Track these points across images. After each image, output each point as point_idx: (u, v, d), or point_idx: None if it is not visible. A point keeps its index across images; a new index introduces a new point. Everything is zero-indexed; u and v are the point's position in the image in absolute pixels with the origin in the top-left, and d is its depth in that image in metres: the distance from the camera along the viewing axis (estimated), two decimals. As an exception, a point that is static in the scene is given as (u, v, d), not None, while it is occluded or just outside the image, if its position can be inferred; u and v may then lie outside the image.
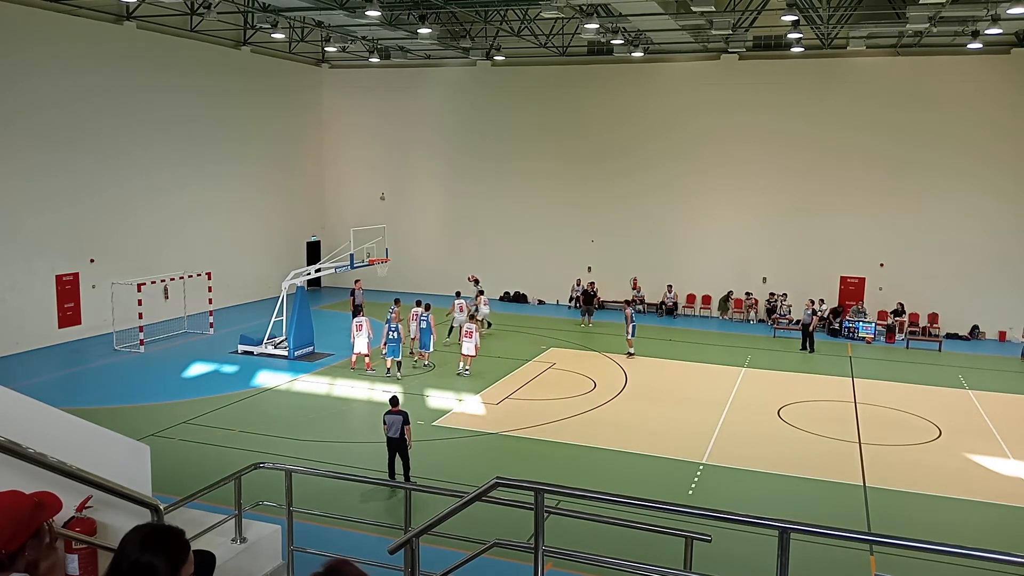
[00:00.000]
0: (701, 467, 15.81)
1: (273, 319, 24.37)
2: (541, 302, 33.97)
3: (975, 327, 29.17)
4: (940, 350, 27.18)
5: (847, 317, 29.27)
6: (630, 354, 24.79)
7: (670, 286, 31.90)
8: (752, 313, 31.53)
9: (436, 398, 20.20)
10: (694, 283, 32.40)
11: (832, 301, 30.11)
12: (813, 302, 27.82)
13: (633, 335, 24.78)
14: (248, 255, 32.13)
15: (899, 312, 29.28)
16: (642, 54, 30.11)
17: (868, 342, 28.16)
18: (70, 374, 22.27)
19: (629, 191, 32.51)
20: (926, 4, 21.60)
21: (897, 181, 29.35)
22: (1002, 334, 28.96)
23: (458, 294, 27.33)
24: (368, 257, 27.09)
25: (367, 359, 22.28)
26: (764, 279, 31.51)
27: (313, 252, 35.44)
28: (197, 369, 22.66)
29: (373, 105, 35.88)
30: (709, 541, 6.13)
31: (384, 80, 35.56)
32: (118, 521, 5.33)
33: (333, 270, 27.73)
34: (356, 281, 28.15)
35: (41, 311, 24.08)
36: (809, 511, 13.46)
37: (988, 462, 16.62)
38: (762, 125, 30.63)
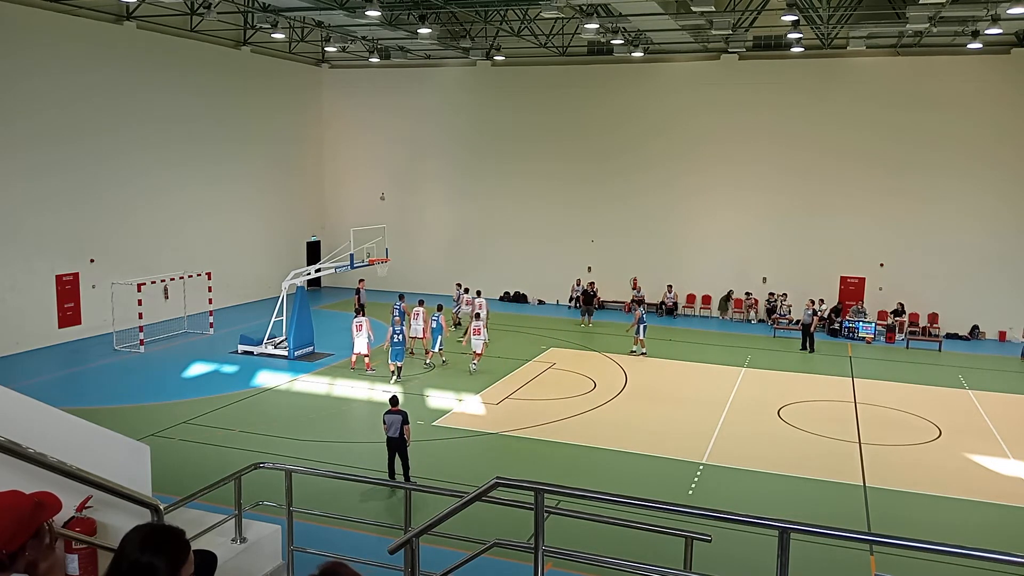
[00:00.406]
0: (701, 467, 15.81)
1: (273, 319, 24.37)
2: (541, 302, 33.97)
3: (975, 327, 29.17)
4: (940, 350, 27.18)
5: (847, 317, 29.28)
6: (633, 352, 24.82)
7: (670, 286, 31.90)
8: (752, 313, 31.53)
9: (436, 398, 20.20)
10: (694, 283, 32.40)
11: (832, 301, 30.11)
12: (813, 302, 27.83)
13: (644, 335, 24.80)
14: (248, 255, 32.14)
15: (899, 312, 29.28)
16: (642, 54, 30.11)
17: (868, 342, 28.16)
18: (70, 374, 22.27)
19: (629, 191, 32.51)
20: (926, 4, 21.60)
21: (897, 181, 29.35)
22: (1002, 334, 28.96)
23: (459, 285, 27.71)
24: (368, 257, 27.10)
25: (367, 359, 22.28)
26: (764, 279, 31.51)
27: (313, 252, 35.45)
28: (197, 369, 22.66)
29: (373, 105, 35.88)
30: (709, 541, 6.13)
31: (384, 80, 35.56)
32: (118, 521, 5.33)
33: (333, 270, 27.73)
34: (360, 280, 28.23)
35: (41, 311, 24.08)
36: (809, 511, 13.46)
37: (988, 462, 16.62)
38: (762, 125, 30.63)
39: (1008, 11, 21.29)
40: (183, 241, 28.77)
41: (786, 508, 13.69)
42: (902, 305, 29.36)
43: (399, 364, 21.44)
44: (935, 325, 29.40)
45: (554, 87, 33.05)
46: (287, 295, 24.25)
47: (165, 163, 28.09)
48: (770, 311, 30.68)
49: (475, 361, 22.67)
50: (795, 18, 23.57)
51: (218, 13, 24.62)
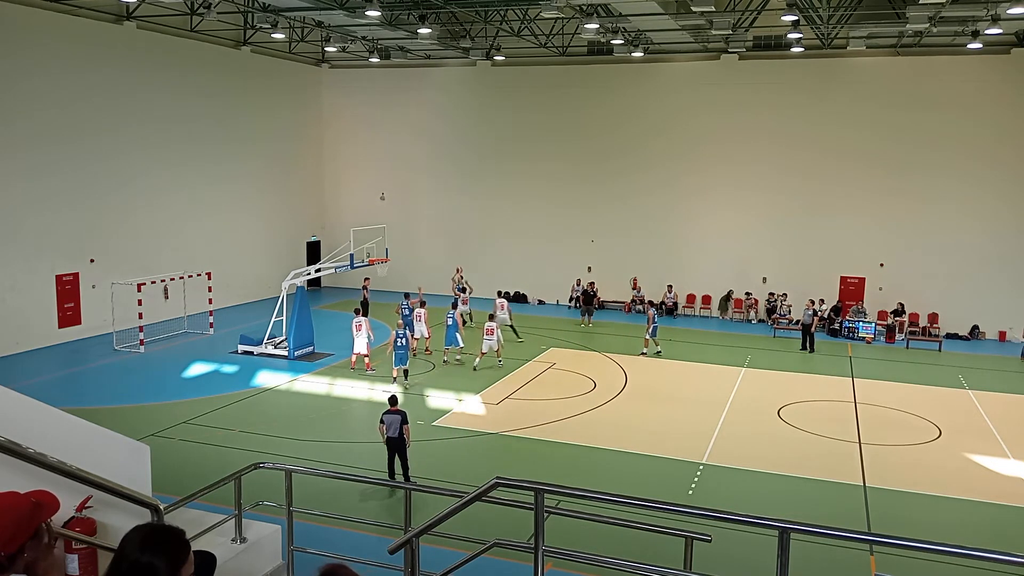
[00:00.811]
0: (701, 467, 15.80)
1: (273, 319, 24.38)
2: (541, 302, 33.97)
3: (975, 327, 29.17)
4: (940, 350, 27.18)
5: (847, 317, 29.28)
6: (643, 354, 24.82)
7: (670, 286, 31.89)
8: (752, 313, 31.53)
9: (436, 398, 20.20)
10: (694, 283, 32.40)
11: (832, 301, 30.10)
12: (813, 302, 27.83)
13: (654, 335, 24.80)
14: (248, 255, 32.14)
15: (899, 312, 29.28)
16: (642, 54, 30.11)
17: (868, 342, 28.16)
18: (70, 374, 22.27)
19: (629, 191, 32.52)
20: (926, 4, 21.59)
21: (897, 181, 29.35)
22: (1002, 334, 28.96)
23: (499, 293, 27.83)
24: (368, 257, 27.12)
25: (367, 359, 22.29)
26: (764, 279, 31.51)
27: (313, 252, 35.45)
28: (197, 369, 22.66)
29: (373, 105, 35.88)
30: (709, 541, 6.13)
31: (384, 80, 35.56)
32: (118, 521, 5.33)
33: (333, 270, 27.74)
34: (366, 279, 28.28)
35: (41, 311, 24.08)
36: (809, 511, 13.46)
37: (988, 462, 16.61)
38: (762, 125, 30.63)
39: (1008, 11, 21.28)
40: (183, 241, 28.77)
41: (786, 508, 13.68)
42: (902, 305, 29.36)
43: (404, 368, 21.06)
44: (935, 325, 29.40)
45: (554, 87, 33.06)
46: (287, 295, 24.25)
47: (165, 163, 28.09)
48: (770, 311, 30.68)
49: (478, 359, 22.92)
50: (795, 18, 23.57)
51: (218, 13, 24.61)
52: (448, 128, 35.11)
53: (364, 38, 30.90)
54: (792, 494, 14.69)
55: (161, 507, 5.50)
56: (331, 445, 16.69)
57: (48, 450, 4.78)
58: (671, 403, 20.32)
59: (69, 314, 24.91)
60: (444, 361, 23.43)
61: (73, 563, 5.25)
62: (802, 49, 28.63)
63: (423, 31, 25.54)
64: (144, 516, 5.31)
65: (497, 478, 5.52)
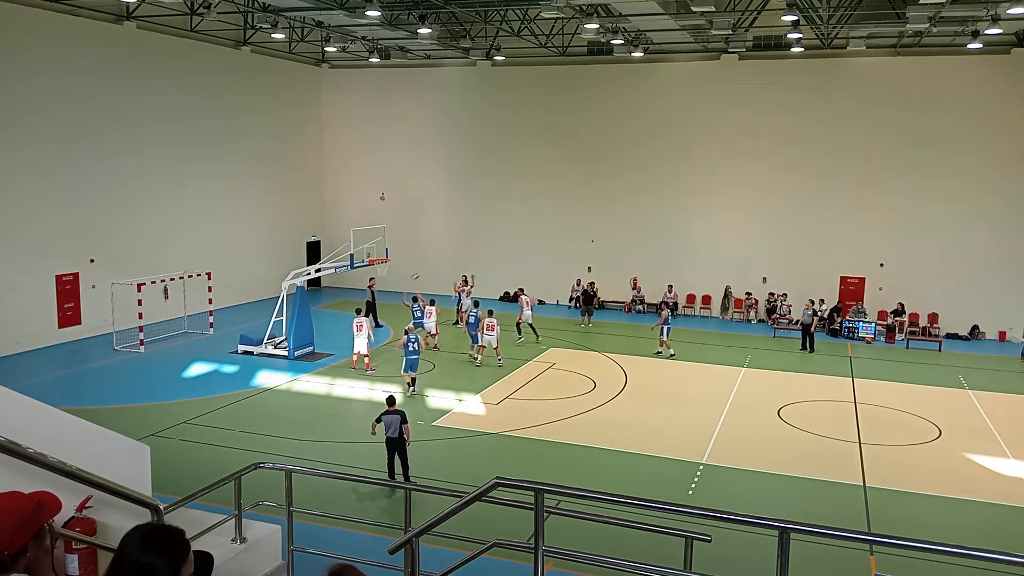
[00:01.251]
0: (701, 467, 15.81)
1: (273, 319, 24.37)
2: (541, 302, 33.95)
3: (975, 327, 29.17)
4: (940, 350, 27.18)
5: (847, 317, 29.28)
6: (659, 354, 24.82)
7: (670, 286, 31.88)
8: (752, 313, 31.53)
9: (436, 398, 20.19)
10: (694, 283, 32.39)
11: (832, 301, 30.11)
12: (813, 302, 27.83)
13: (667, 336, 24.79)
14: (248, 255, 32.14)
15: (899, 312, 29.27)
16: (642, 54, 30.10)
17: (868, 342, 28.16)
18: (70, 374, 22.27)
19: (629, 191, 32.51)
20: (926, 4, 21.60)
21: (897, 181, 29.35)
22: (1002, 334, 28.96)
23: (522, 291, 28.43)
24: (368, 257, 27.12)
25: (367, 359, 22.29)
26: (764, 279, 31.51)
27: (313, 252, 35.45)
28: (197, 369, 22.66)
29: (373, 105, 35.87)
30: (709, 541, 6.14)
31: (384, 80, 35.56)
32: (118, 521, 5.33)
33: (333, 270, 27.74)
34: (371, 279, 28.30)
35: (41, 311, 24.08)
36: (809, 511, 13.45)
37: (988, 462, 16.61)
38: (762, 125, 30.63)
39: (1008, 11, 21.28)
40: (183, 241, 28.77)
41: (786, 508, 13.68)
42: (902, 305, 29.36)
43: (413, 375, 20.37)
44: (935, 325, 29.40)
45: (554, 87, 33.06)
46: (287, 295, 24.25)
47: (165, 163, 28.09)
48: (770, 311, 30.68)
49: (479, 355, 23.23)
50: (795, 18, 23.57)
51: (218, 13, 24.62)
52: (448, 128, 35.10)
53: (364, 38, 30.90)
54: (792, 494, 14.69)
55: (161, 507, 5.50)
56: (331, 445, 16.69)
57: (48, 450, 4.78)
58: (671, 403, 20.32)
59: (69, 314, 24.91)
60: (474, 357, 23.60)
61: (73, 563, 5.25)
62: (802, 49, 28.63)
63: (423, 31, 25.54)
64: (144, 516, 5.31)
65: (497, 478, 5.52)
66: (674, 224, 32.23)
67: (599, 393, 20.89)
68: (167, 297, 26.87)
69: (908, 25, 23.33)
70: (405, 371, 20.17)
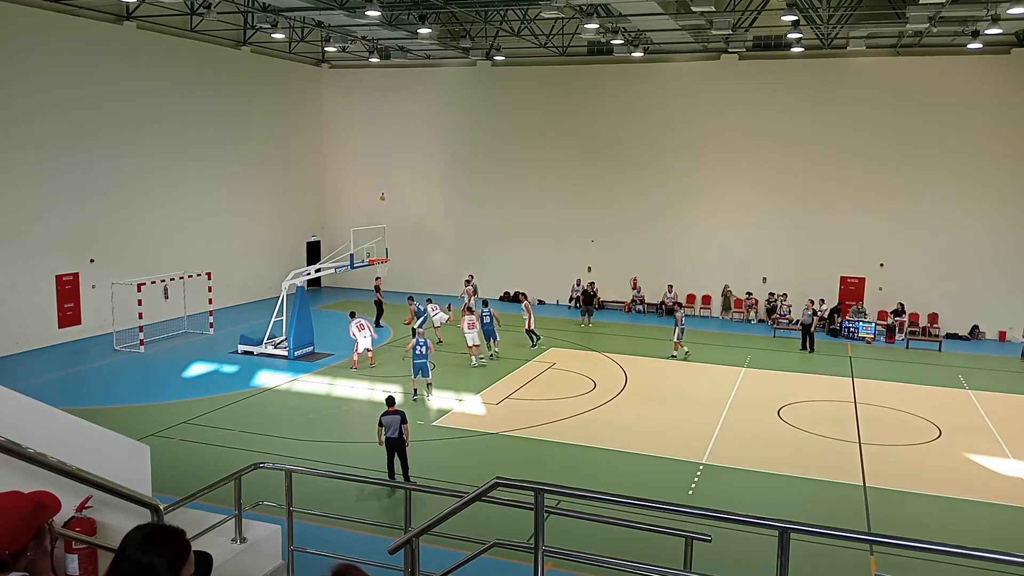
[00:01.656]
0: (701, 467, 15.80)
1: (273, 319, 24.37)
2: (541, 302, 33.95)
3: (975, 327, 29.16)
4: (940, 350, 27.17)
5: (847, 317, 29.27)
6: (673, 356, 24.75)
7: (670, 286, 31.88)
8: (752, 313, 31.53)
9: (436, 398, 20.18)
10: (694, 283, 32.39)
11: (832, 301, 30.11)
12: (813, 302, 27.83)
13: (680, 338, 24.73)
14: (248, 255, 32.13)
15: (899, 312, 29.27)
16: (642, 54, 30.10)
17: (868, 342, 28.16)
18: (70, 374, 22.27)
19: (629, 191, 32.51)
20: (926, 4, 21.59)
21: (897, 181, 29.35)
22: (1002, 334, 28.95)
23: (524, 295, 28.95)
24: (368, 257, 27.12)
25: (370, 353, 22.33)
26: (764, 279, 31.51)
27: (313, 252, 35.45)
28: (197, 369, 22.66)
29: (373, 105, 35.86)
30: (709, 541, 6.14)
31: (384, 80, 35.55)
32: (118, 521, 5.33)
33: (333, 270, 27.74)
34: (377, 278, 28.33)
35: (41, 311, 24.07)
36: (809, 511, 13.44)
37: (988, 462, 16.61)
38: (762, 125, 30.62)
39: (1008, 11, 21.28)
40: (183, 241, 28.77)
41: (786, 508, 13.68)
42: (902, 305, 29.36)
43: (428, 380, 19.98)
44: (935, 325, 29.40)
45: (554, 87, 33.05)
46: (287, 295, 24.25)
47: (165, 163, 28.09)
48: (770, 311, 30.68)
49: (472, 355, 23.28)
50: (795, 18, 23.57)
51: (218, 13, 24.62)
52: (448, 128, 35.10)
53: (364, 38, 30.90)
54: (792, 494, 14.69)
55: (161, 507, 5.50)
56: (331, 445, 16.69)
57: (48, 450, 4.78)
58: (671, 403, 20.32)
59: (69, 314, 24.91)
60: (493, 355, 24.10)
61: (73, 563, 5.25)
62: (802, 49, 28.63)
63: (423, 31, 25.53)
64: (144, 516, 5.31)
65: (497, 478, 5.52)
66: (674, 224, 32.22)
67: (599, 393, 20.89)
68: (167, 297, 26.88)
69: (908, 25, 23.33)
70: (415, 376, 19.93)
